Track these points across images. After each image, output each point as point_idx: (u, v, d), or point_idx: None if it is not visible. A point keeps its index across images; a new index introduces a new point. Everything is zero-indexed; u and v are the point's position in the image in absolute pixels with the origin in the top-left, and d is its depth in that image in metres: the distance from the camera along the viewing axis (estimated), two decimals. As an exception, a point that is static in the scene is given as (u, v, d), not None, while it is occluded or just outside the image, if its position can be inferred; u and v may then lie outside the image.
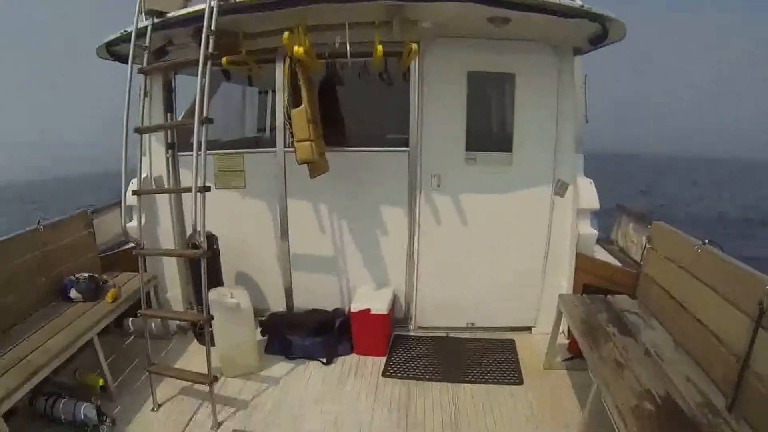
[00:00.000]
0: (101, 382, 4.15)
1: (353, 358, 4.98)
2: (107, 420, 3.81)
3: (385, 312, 4.98)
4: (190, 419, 4.02)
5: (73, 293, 4.49)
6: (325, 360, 4.87)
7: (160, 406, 4.15)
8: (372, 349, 5.03)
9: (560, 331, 4.65)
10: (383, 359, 4.93)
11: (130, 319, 5.18)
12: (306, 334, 5.01)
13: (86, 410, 3.75)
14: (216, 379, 4.03)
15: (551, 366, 4.62)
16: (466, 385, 4.49)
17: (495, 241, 5.22)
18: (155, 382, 4.23)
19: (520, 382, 4.47)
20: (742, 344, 2.74)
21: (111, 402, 4.14)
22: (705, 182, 49.82)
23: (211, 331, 4.19)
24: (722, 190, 43.12)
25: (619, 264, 4.97)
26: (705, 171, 63.21)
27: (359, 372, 4.75)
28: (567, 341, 4.81)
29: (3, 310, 4.00)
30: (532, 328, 5.34)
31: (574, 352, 4.59)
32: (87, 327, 4.02)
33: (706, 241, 3.45)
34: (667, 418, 2.72)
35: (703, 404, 2.82)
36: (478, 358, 4.92)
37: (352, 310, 5.03)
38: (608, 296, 4.39)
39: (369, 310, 4.96)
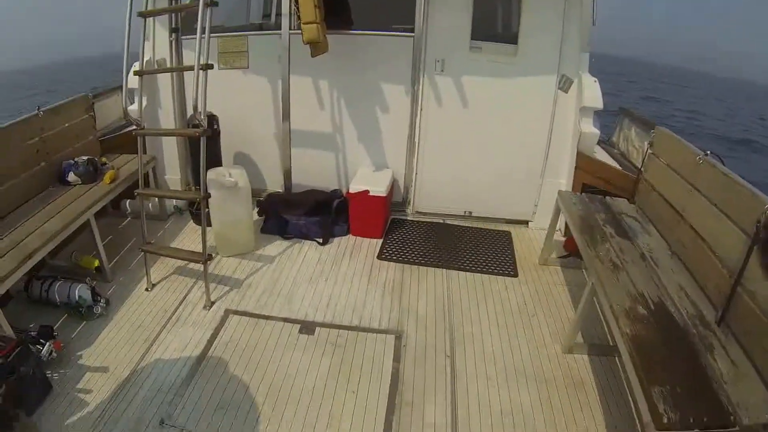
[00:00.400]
0: (96, 263, 4.15)
1: (349, 239, 5.00)
2: (101, 300, 3.84)
3: (384, 194, 4.93)
4: (184, 298, 4.06)
5: (71, 177, 4.39)
6: (321, 240, 4.88)
7: (154, 285, 4.19)
8: (368, 231, 5.03)
9: (557, 228, 4.62)
10: (379, 242, 4.95)
11: (128, 200, 5.12)
12: (303, 214, 4.98)
13: (81, 291, 3.77)
14: (210, 257, 4.02)
15: (546, 262, 4.64)
16: (460, 272, 4.52)
17: (496, 131, 5.11)
18: (150, 262, 4.24)
19: (515, 275, 4.51)
20: (737, 260, 2.70)
21: (106, 283, 4.17)
22: (714, 99, 48.64)
23: (208, 211, 4.15)
24: (730, 110, 41.89)
25: (619, 167, 4.88)
26: (717, 89, 61.68)
27: (354, 254, 4.77)
28: (563, 239, 4.83)
29: (1, 197, 3.91)
30: (529, 223, 5.34)
31: (570, 250, 4.63)
32: (84, 209, 3.96)
33: (708, 152, 3.35)
34: (658, 324, 2.72)
35: (695, 315, 2.83)
36: (473, 246, 4.94)
37: (350, 191, 4.98)
38: (607, 198, 4.33)
39: (367, 191, 4.90)
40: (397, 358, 3.54)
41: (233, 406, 3.13)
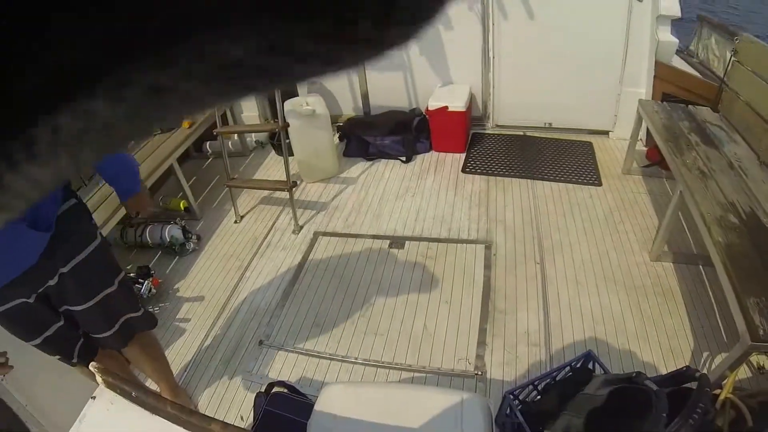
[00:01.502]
0: (184, 204, 4.11)
1: (432, 155, 4.75)
2: (193, 236, 3.83)
3: (463, 109, 4.61)
4: (272, 225, 3.99)
5: None
6: (404, 158, 4.67)
7: (242, 217, 4.13)
8: (451, 146, 4.76)
9: (638, 138, 4.25)
10: (462, 156, 4.68)
11: (208, 142, 5.02)
12: (384, 134, 4.76)
13: (172, 231, 3.75)
14: (295, 184, 3.92)
15: (629, 171, 4.27)
16: (545, 182, 4.23)
17: (571, 42, 4.63)
18: (236, 196, 4.18)
19: (599, 184, 4.17)
20: None
21: (195, 221, 4.13)
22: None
23: (288, 142, 4.05)
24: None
25: (700, 76, 4.42)
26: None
27: (439, 168, 4.53)
28: (645, 148, 4.45)
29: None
30: (610, 133, 4.89)
31: (652, 160, 4.26)
32: (166, 155, 3.87)
33: None
34: (751, 234, 2.50)
35: None
36: (555, 157, 4.60)
37: (429, 108, 4.68)
38: (689, 106, 3.91)
39: (446, 107, 4.59)
40: (488, 267, 3.35)
41: (329, 322, 3.08)
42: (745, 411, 2.07)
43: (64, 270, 1.86)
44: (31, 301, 1.83)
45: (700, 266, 3.24)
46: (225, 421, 1.12)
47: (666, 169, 3.92)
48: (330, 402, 1.78)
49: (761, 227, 2.57)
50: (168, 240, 3.73)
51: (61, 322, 1.99)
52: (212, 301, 3.33)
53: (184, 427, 1.15)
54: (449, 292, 3.20)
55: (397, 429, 1.68)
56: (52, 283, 1.86)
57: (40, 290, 1.85)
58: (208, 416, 1.15)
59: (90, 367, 1.29)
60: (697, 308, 2.96)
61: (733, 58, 3.64)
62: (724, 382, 2.16)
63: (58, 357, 2.06)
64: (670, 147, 3.29)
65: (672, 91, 4.34)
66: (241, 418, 2.64)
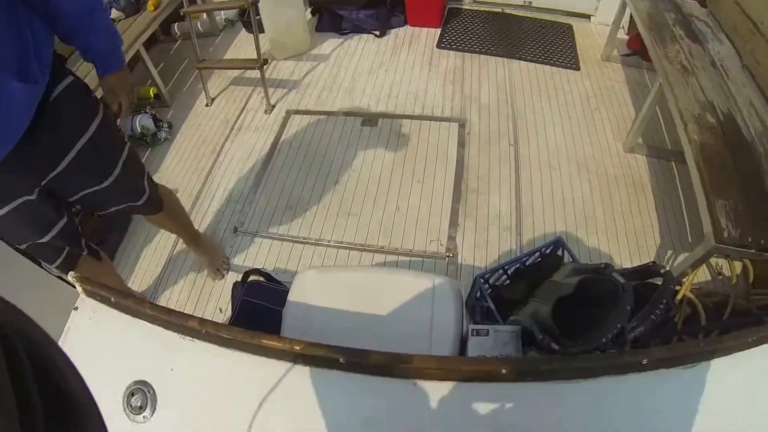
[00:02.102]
0: (154, 90, 3.83)
1: (407, 29, 4.45)
2: (164, 124, 3.61)
3: None
4: (244, 106, 3.78)
5: (114, 13, 3.83)
6: (378, 32, 4.38)
7: (213, 99, 3.89)
8: (426, 20, 4.46)
9: (620, 24, 3.98)
10: (437, 31, 4.39)
11: (176, 24, 4.63)
12: (358, 7, 4.43)
13: (142, 121, 3.52)
14: (266, 62, 3.65)
15: (609, 58, 4.03)
16: (521, 62, 4.00)
17: None
18: (206, 78, 3.92)
19: (577, 68, 3.95)
20: None
21: (166, 108, 3.88)
22: None
23: (259, 18, 3.79)
24: None
25: None
26: None
27: (413, 43, 4.26)
28: (626, 36, 4.17)
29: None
30: (592, 17, 4.57)
31: (633, 48, 4.01)
32: (132, 40, 3.52)
33: None
34: (726, 136, 2.41)
35: (763, 133, 2.45)
36: (534, 37, 4.32)
37: None
38: None
39: None
40: (461, 145, 3.23)
41: (302, 205, 2.99)
42: (700, 309, 2.09)
43: (71, 156, 1.70)
44: (33, 197, 1.69)
45: (673, 162, 3.15)
46: (203, 317, 1.11)
47: (646, 60, 3.73)
48: (303, 289, 1.75)
49: (737, 130, 2.46)
50: (139, 131, 3.51)
51: (66, 219, 1.87)
52: (186, 190, 3.20)
53: (163, 327, 1.14)
54: (422, 170, 3.11)
55: (370, 313, 1.67)
56: (54, 173, 1.70)
57: (44, 183, 1.70)
58: (186, 314, 1.13)
59: (69, 276, 1.22)
60: (665, 205, 2.91)
61: None
62: (684, 279, 2.16)
63: (67, 248, 1.96)
64: (653, 37, 3.08)
65: (660, -21, 4.01)
66: (220, 310, 2.62)
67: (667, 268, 2.00)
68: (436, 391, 1.03)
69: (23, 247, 1.83)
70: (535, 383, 1.04)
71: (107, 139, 1.86)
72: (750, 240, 2.00)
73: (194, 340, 1.12)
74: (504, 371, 1.02)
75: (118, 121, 2.01)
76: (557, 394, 1.03)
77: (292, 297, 1.73)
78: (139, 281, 2.79)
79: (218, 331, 1.09)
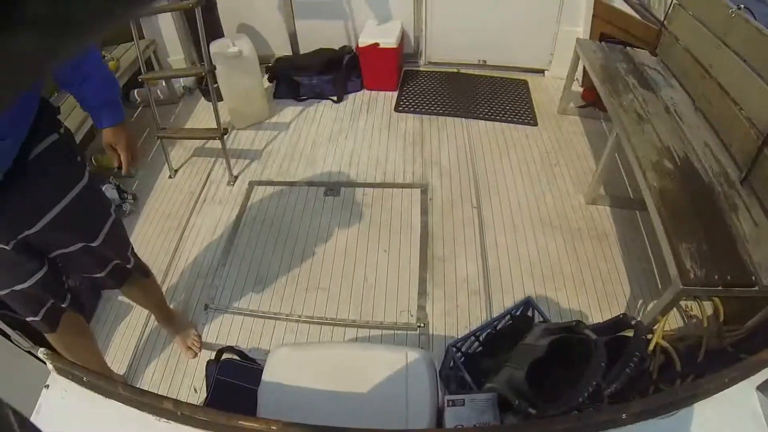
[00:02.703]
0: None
1: (364, 94, 4.50)
2: (128, 196, 3.50)
3: (395, 45, 4.35)
4: (207, 178, 3.71)
5: None
6: (335, 98, 4.42)
7: (176, 171, 3.81)
8: (383, 84, 4.52)
9: (575, 78, 4.10)
10: (395, 94, 4.46)
11: (135, 90, 4.55)
12: (314, 73, 4.47)
13: (106, 192, 3.39)
14: (226, 131, 3.63)
15: (565, 111, 4.14)
16: (480, 121, 4.07)
17: None
18: (168, 148, 3.85)
19: (535, 123, 4.04)
20: (766, 121, 2.40)
21: (130, 177, 3.76)
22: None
23: (217, 86, 3.77)
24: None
25: (639, 17, 4.27)
26: None
27: (371, 108, 4.31)
28: (581, 89, 4.30)
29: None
30: (546, 72, 4.70)
31: (588, 100, 4.15)
32: None
33: (741, 5, 2.81)
34: (684, 180, 2.48)
35: (719, 173, 2.53)
36: (491, 95, 4.42)
37: (360, 45, 4.40)
38: (627, 48, 3.77)
39: (377, 44, 4.32)
40: (425, 212, 3.23)
41: (270, 278, 2.93)
42: (674, 355, 2.10)
43: (48, 219, 1.61)
44: (8, 248, 1.59)
45: (636, 211, 3.20)
46: (177, 398, 1.13)
47: (602, 110, 3.81)
48: (277, 367, 1.72)
49: (694, 173, 2.52)
50: None
51: (47, 268, 1.76)
52: (155, 266, 3.01)
53: (138, 408, 1.11)
54: (387, 239, 3.09)
55: (346, 390, 1.65)
56: (30, 232, 1.60)
57: (20, 237, 1.60)
58: (160, 395, 1.12)
59: (39, 353, 1.21)
60: (631, 253, 2.95)
61: (674, 1, 3.49)
62: (655, 327, 2.17)
63: (51, 301, 1.86)
64: (607, 88, 3.17)
65: (610, 31, 4.14)
66: (195, 389, 2.51)
67: (638, 319, 2.04)
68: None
69: (4, 293, 1.73)
70: None
71: (88, 208, 1.78)
72: (716, 278, 2.02)
73: (170, 421, 1.09)
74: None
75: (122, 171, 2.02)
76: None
77: (266, 376, 1.70)
78: (111, 359, 2.65)
79: (195, 413, 1.08)
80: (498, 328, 2.19)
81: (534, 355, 1.64)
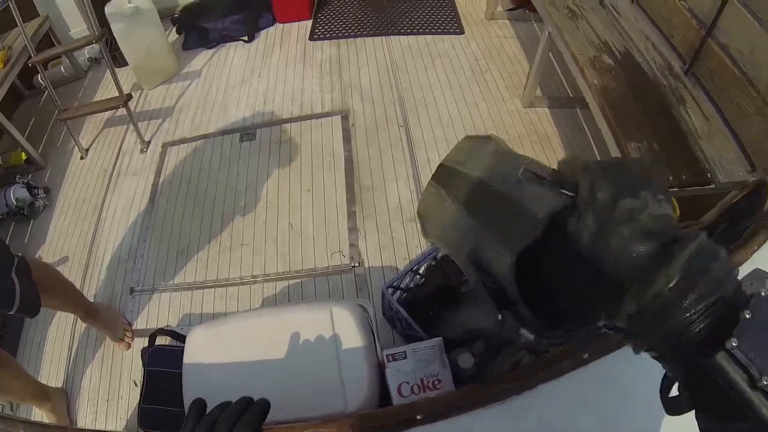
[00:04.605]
0: (23, 156, 3.19)
1: (277, 28, 3.89)
2: (40, 191, 2.99)
3: None
4: (119, 150, 3.19)
5: None
6: (246, 38, 3.84)
7: (87, 150, 3.27)
8: (295, 14, 3.91)
9: None
10: (309, 23, 3.87)
11: (38, 75, 3.80)
12: (222, 15, 3.88)
13: (15, 193, 2.89)
14: (130, 96, 3.07)
15: (493, 16, 3.62)
16: (401, 36, 3.54)
17: None
18: (76, 128, 3.31)
19: (461, 32, 3.53)
20: (707, 11, 2.07)
21: (41, 170, 3.25)
22: None
23: (119, 51, 3.35)
24: None
25: None
26: None
27: (284, 41, 3.72)
28: None
29: None
30: None
31: (517, 3, 3.61)
32: None
33: None
34: (626, 75, 2.23)
35: (663, 66, 2.26)
36: (412, 8, 3.85)
37: None
38: None
39: None
40: (347, 139, 2.78)
41: (192, 246, 2.52)
42: None
43: None
44: None
45: (577, 109, 2.81)
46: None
47: (533, 11, 3.32)
48: (196, 348, 1.51)
49: (636, 67, 2.25)
50: (15, 204, 2.88)
51: None
52: (75, 259, 2.65)
53: None
54: (310, 177, 2.64)
55: (272, 362, 1.43)
56: None
57: None
58: (62, 426, 1.02)
59: None
60: (575, 152, 2.53)
61: None
62: None
63: None
64: None
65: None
66: (135, 383, 2.17)
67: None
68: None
69: None
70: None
71: None
72: (671, 177, 1.84)
73: None
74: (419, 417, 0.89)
75: None
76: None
77: (186, 359, 1.50)
78: (46, 376, 2.28)
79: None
80: (438, 257, 1.86)
81: (525, 234, 1.22)
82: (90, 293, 2.46)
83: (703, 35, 2.08)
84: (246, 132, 3.00)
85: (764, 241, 1.37)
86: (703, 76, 2.15)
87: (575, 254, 0.50)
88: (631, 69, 2.24)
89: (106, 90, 3.77)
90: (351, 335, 1.45)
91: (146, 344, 2.16)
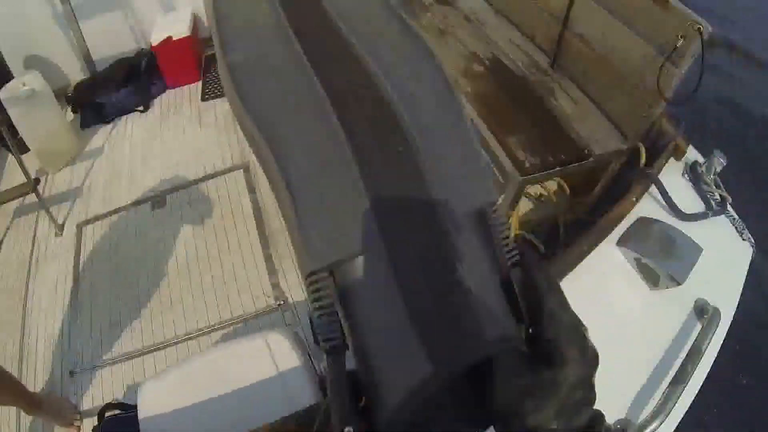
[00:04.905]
0: None
1: (169, 93, 4.02)
2: None
3: (188, 33, 3.91)
4: (34, 237, 3.19)
5: None
6: (141, 108, 3.93)
7: (0, 242, 3.25)
8: (185, 77, 4.07)
9: None
10: (199, 84, 4.04)
11: None
12: (116, 88, 3.96)
13: None
14: (38, 181, 3.12)
15: None
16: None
17: None
18: None
19: None
20: (559, 6, 2.33)
21: None
22: None
23: (20, 137, 3.32)
24: None
25: None
26: None
27: (178, 105, 3.87)
28: None
29: None
30: None
31: None
32: None
33: None
34: (497, 78, 2.45)
35: (530, 64, 2.51)
36: None
37: (153, 44, 3.88)
38: None
39: (170, 37, 3.84)
40: (251, 190, 2.96)
41: (124, 317, 2.59)
42: (535, 242, 2.15)
43: None
44: None
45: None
46: None
47: None
48: (148, 406, 1.55)
49: (505, 69, 2.48)
50: None
51: None
52: (7, 353, 2.64)
53: None
54: (223, 232, 2.80)
55: (221, 400, 1.50)
56: None
57: None
58: None
59: None
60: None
61: None
62: (509, 221, 2.12)
63: None
64: (404, 11, 2.96)
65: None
66: None
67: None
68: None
69: None
70: None
71: None
72: (552, 160, 2.01)
73: None
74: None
75: None
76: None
77: (141, 415, 1.52)
78: None
79: None
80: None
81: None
82: (29, 383, 2.45)
83: (560, 30, 2.34)
84: (155, 200, 3.11)
85: (643, 193, 1.66)
86: (567, 65, 2.39)
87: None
88: (501, 72, 2.47)
89: (11, 178, 3.73)
90: (290, 358, 1.56)
91: (96, 423, 2.22)
